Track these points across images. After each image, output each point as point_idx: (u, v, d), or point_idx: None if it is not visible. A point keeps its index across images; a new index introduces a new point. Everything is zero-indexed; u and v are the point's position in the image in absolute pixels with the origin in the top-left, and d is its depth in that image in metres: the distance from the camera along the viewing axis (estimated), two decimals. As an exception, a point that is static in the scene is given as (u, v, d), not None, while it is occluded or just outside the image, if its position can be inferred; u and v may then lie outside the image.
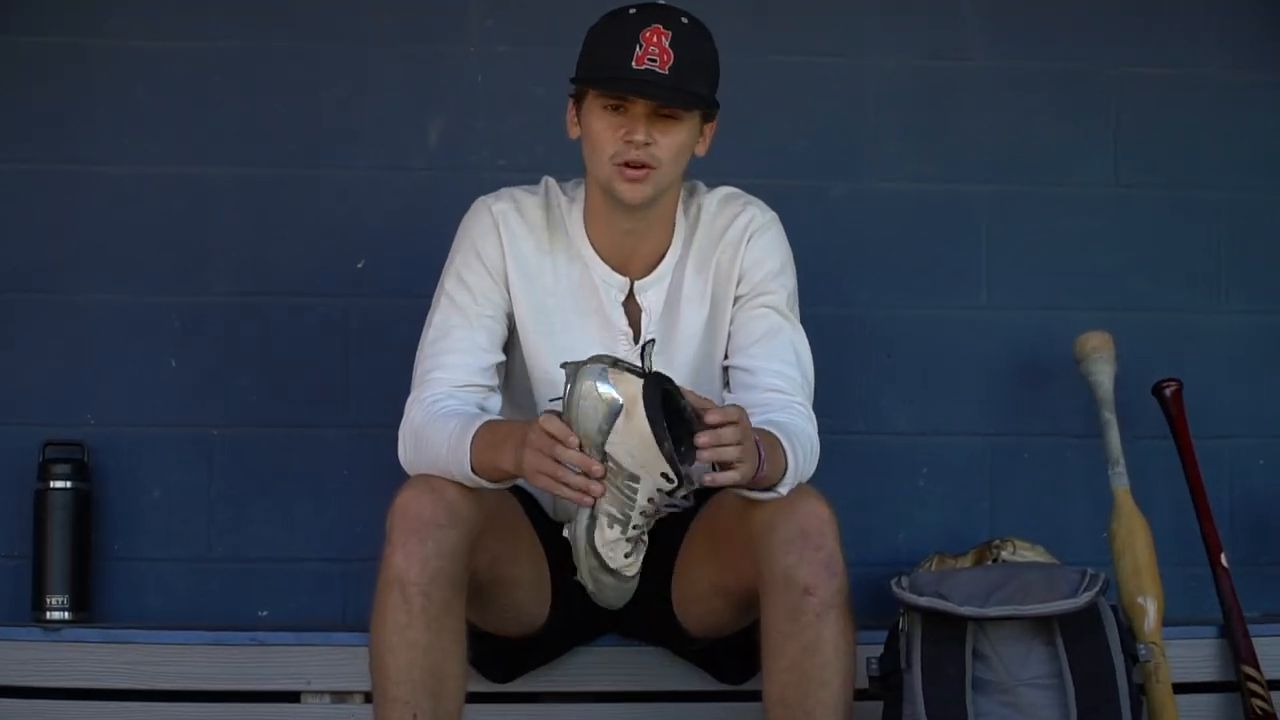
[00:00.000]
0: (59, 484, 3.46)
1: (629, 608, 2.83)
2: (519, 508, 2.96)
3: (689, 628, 3.03)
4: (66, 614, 3.42)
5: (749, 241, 2.96)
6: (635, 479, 2.59)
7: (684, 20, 2.81)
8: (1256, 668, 3.36)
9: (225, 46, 3.67)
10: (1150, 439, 3.63)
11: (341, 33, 3.70)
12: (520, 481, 2.78)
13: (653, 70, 2.76)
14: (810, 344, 2.97)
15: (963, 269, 3.77)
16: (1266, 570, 3.73)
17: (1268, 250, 3.83)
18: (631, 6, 2.82)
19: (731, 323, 2.96)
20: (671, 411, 2.58)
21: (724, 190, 3.02)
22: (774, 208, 3.01)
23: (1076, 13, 3.83)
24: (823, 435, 2.87)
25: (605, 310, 2.95)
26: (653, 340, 2.65)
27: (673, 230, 2.97)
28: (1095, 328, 3.59)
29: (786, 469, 2.72)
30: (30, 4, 3.62)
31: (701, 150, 2.90)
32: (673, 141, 2.81)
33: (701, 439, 2.56)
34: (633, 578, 2.69)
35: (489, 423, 2.76)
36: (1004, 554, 3.43)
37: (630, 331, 2.95)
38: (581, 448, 2.58)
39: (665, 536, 2.79)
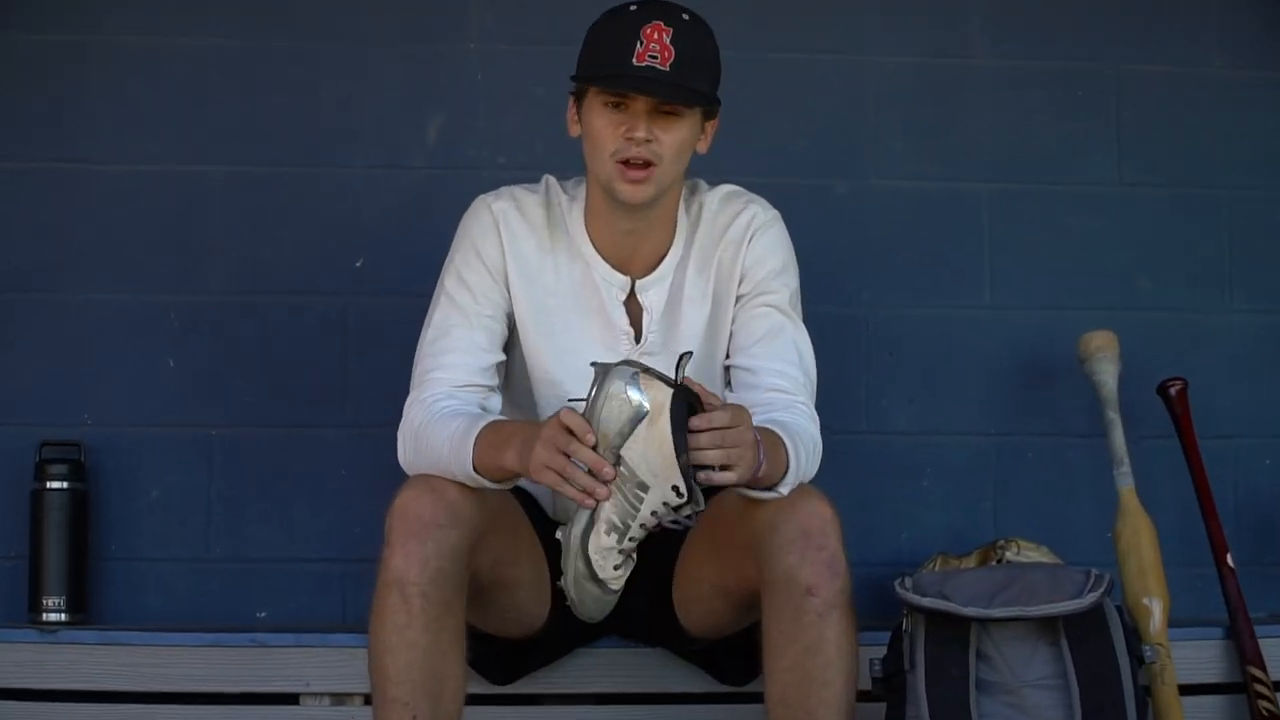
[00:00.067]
0: (56, 484, 3.45)
1: (629, 608, 2.83)
2: (519, 508, 2.96)
3: (690, 628, 3.02)
4: (63, 615, 3.41)
5: (751, 240, 2.95)
6: (645, 488, 2.58)
7: (685, 17, 2.80)
8: (1262, 668, 3.35)
9: (224, 45, 3.67)
10: (1155, 438, 3.63)
11: (341, 31, 3.69)
12: (521, 481, 2.78)
13: (653, 67, 2.75)
14: (812, 343, 2.96)
15: (966, 268, 3.76)
16: (1272, 570, 3.73)
17: (1272, 248, 3.83)
18: (632, 3, 2.81)
19: (733, 322, 2.96)
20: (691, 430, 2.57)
21: (725, 188, 3.01)
22: (776, 206, 3.01)
23: (1078, 11, 3.83)
24: (825, 435, 2.87)
25: (606, 310, 2.94)
26: (690, 352, 2.65)
27: (674, 229, 2.97)
28: (1099, 327, 3.59)
29: (788, 468, 2.71)
30: (29, 3, 3.62)
31: (703, 148, 2.89)
32: (674, 139, 2.81)
33: (703, 439, 2.56)
34: (615, 592, 2.69)
35: (494, 422, 2.76)
36: (1008, 554, 3.43)
37: (631, 331, 2.95)
38: (596, 448, 2.57)
39: (666, 537, 2.78)
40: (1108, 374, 3.53)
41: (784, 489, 2.71)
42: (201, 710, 3.25)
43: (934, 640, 2.94)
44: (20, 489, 3.48)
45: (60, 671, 3.26)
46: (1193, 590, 3.59)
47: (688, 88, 2.77)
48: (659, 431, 2.55)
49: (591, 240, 2.95)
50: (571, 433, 2.58)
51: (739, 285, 2.95)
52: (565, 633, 3.04)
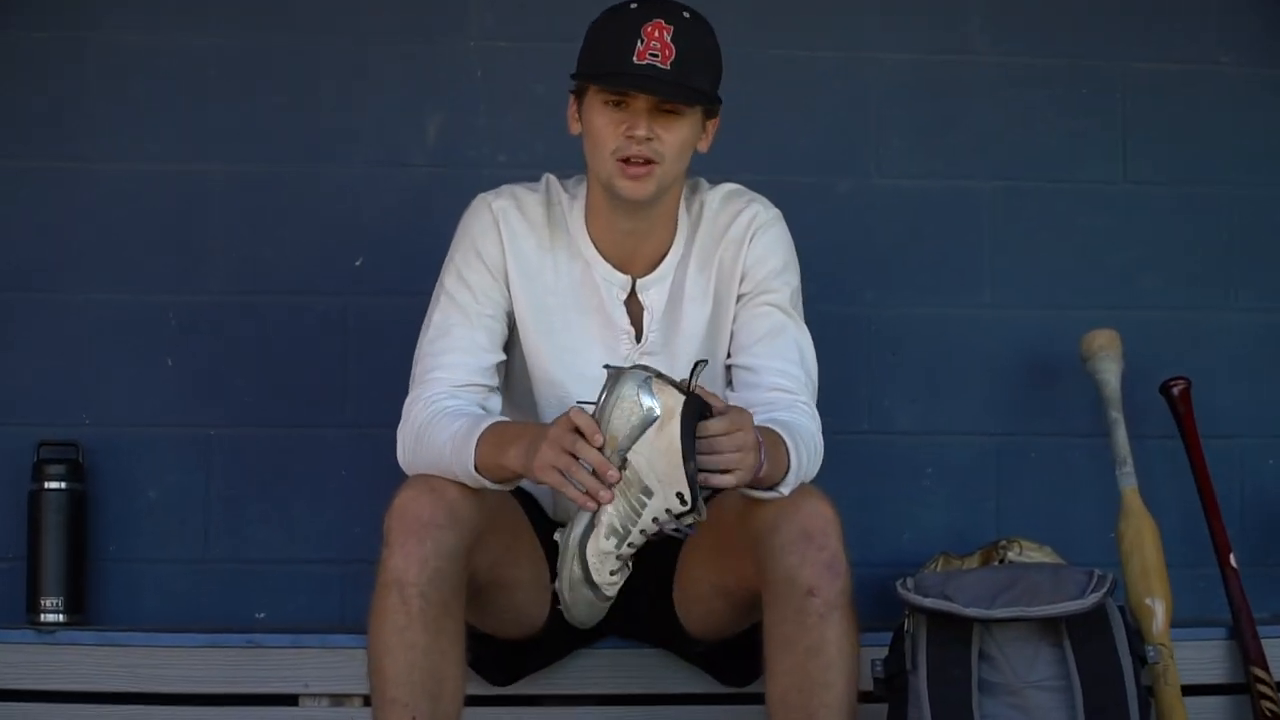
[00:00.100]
0: (54, 485, 3.45)
1: (630, 609, 2.83)
2: (519, 509, 2.95)
3: (691, 629, 3.02)
4: (61, 616, 3.41)
5: (752, 239, 2.95)
6: (649, 493, 2.58)
7: (686, 15, 2.80)
8: (1266, 669, 3.34)
9: (224, 44, 3.66)
10: (1158, 438, 3.63)
11: (340, 29, 3.69)
12: (523, 481, 2.77)
13: (654, 65, 2.75)
14: (814, 342, 2.96)
15: (968, 266, 3.76)
16: (1276, 571, 3.72)
17: (1277, 247, 3.82)
18: (633, 1, 2.80)
19: (734, 321, 2.95)
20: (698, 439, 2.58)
21: (727, 187, 3.00)
22: (777, 205, 3.00)
23: (1081, 8, 3.82)
24: (826, 435, 2.86)
25: (606, 309, 2.94)
26: (705, 361, 2.64)
27: (675, 228, 2.96)
28: (1102, 326, 3.58)
29: (789, 468, 2.71)
30: (29, 2, 3.62)
31: (704, 147, 2.89)
32: (675, 137, 2.80)
33: (712, 445, 2.56)
34: (608, 600, 2.69)
35: (498, 423, 2.76)
36: (1010, 555, 3.42)
37: (632, 330, 2.94)
38: (603, 450, 2.56)
39: (667, 537, 2.76)
40: (1110, 373, 3.52)
41: (785, 489, 2.71)
42: (200, 712, 3.24)
43: (936, 641, 2.94)
44: (18, 489, 3.48)
45: (58, 672, 3.25)
46: (1196, 591, 3.58)
47: (688, 86, 2.77)
48: (668, 437, 2.55)
49: (592, 239, 2.94)
50: (579, 433, 2.57)
51: (740, 284, 2.94)
52: (565, 634, 3.02)
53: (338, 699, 3.22)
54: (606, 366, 2.62)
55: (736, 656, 3.07)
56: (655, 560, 2.76)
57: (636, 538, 2.62)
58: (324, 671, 3.23)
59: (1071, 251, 3.77)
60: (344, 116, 3.67)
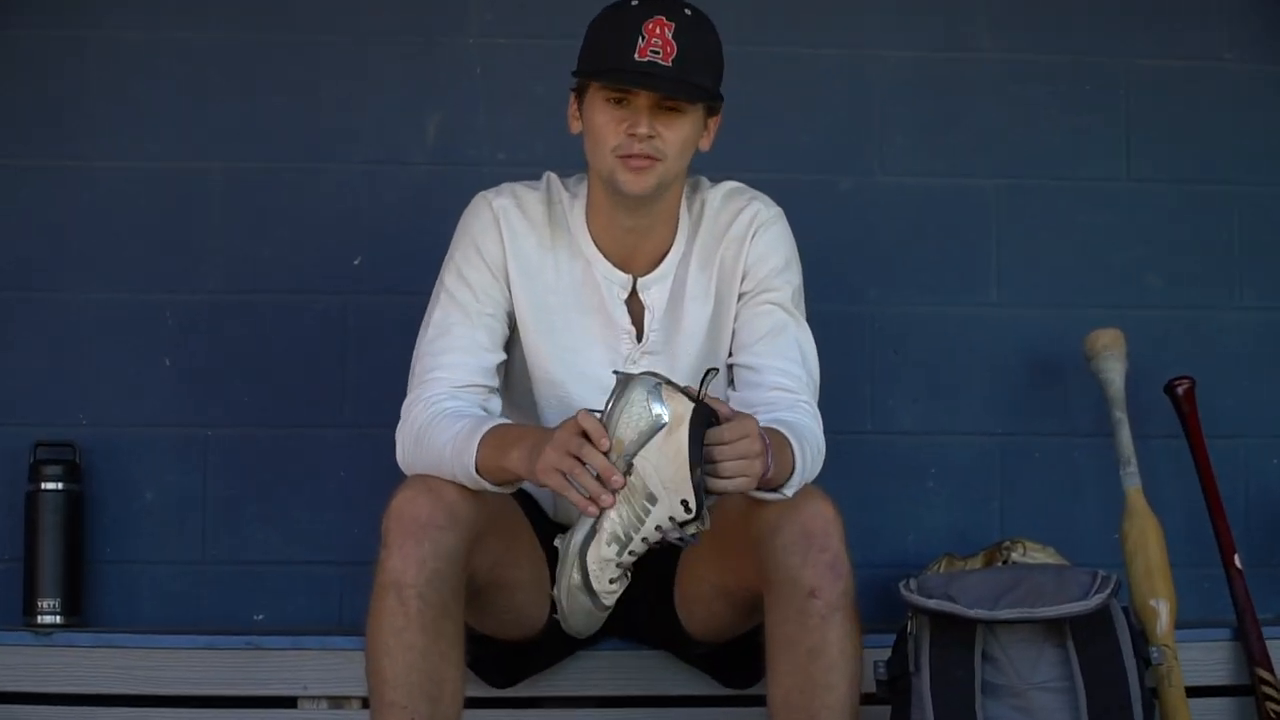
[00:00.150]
0: (50, 485, 3.45)
1: (631, 611, 2.82)
2: (519, 509, 2.94)
3: (692, 631, 3.01)
4: (58, 618, 3.40)
5: (754, 237, 2.94)
6: (653, 500, 2.58)
7: (687, 11, 2.79)
8: (1270, 670, 3.34)
9: (223, 43, 3.67)
10: (1162, 438, 3.62)
11: (340, 28, 3.69)
12: (523, 483, 2.76)
13: (655, 62, 2.74)
14: (816, 341, 2.95)
15: (971, 265, 3.76)
16: (1280, 571, 3.71)
17: (1282, 246, 3.83)
18: (633, -2, 2.80)
19: (736, 320, 2.95)
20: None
21: (728, 185, 3.00)
22: (779, 203, 3.00)
23: (1085, 5, 3.82)
24: (828, 435, 2.86)
25: (607, 308, 2.93)
26: (716, 370, 2.64)
27: (676, 227, 2.96)
28: (1106, 324, 3.57)
29: (794, 470, 2.70)
30: (28, 1, 3.61)
31: (706, 145, 2.88)
32: (676, 135, 2.80)
33: (719, 452, 2.56)
34: (606, 609, 2.68)
35: (499, 425, 2.75)
36: (1014, 555, 3.42)
37: (633, 330, 2.94)
38: (609, 455, 2.56)
39: (667, 547, 2.75)
40: (1115, 372, 3.51)
41: (789, 490, 2.70)
42: (197, 714, 3.23)
43: (939, 643, 2.94)
44: (15, 490, 3.48)
45: (55, 674, 3.24)
46: (1200, 591, 3.58)
47: (690, 83, 2.76)
48: (675, 444, 2.55)
49: (593, 238, 2.93)
50: (586, 437, 2.57)
51: (741, 283, 2.94)
52: (566, 635, 3.00)
53: (337, 701, 3.21)
54: (616, 372, 2.63)
55: (738, 658, 3.07)
56: (657, 562, 2.75)
57: (638, 545, 2.62)
58: (323, 673, 3.22)
59: (1075, 250, 3.77)
60: (344, 115, 3.67)
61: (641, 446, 2.56)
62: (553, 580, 2.69)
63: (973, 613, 2.90)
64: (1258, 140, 3.82)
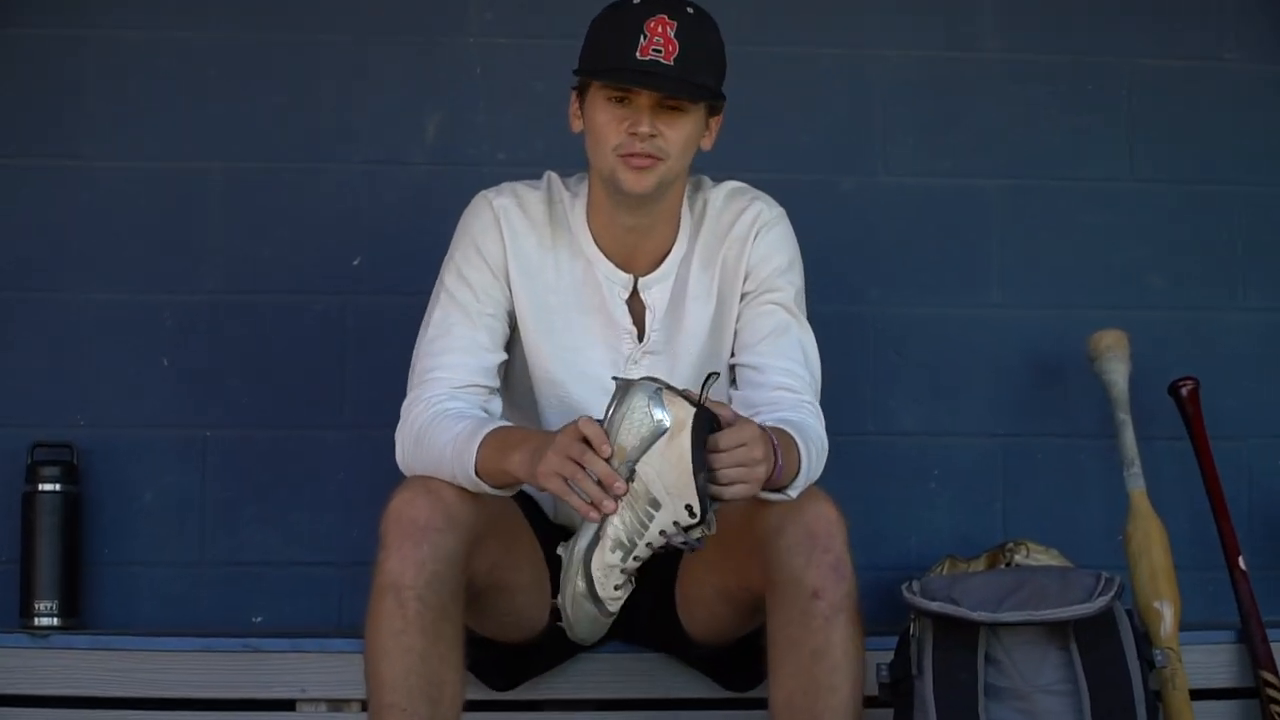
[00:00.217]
0: (48, 487, 3.44)
1: (632, 613, 2.81)
2: (518, 511, 2.94)
3: (693, 633, 3.00)
4: (55, 620, 3.40)
5: (756, 237, 2.94)
6: (657, 505, 2.57)
7: (689, 10, 2.78)
8: (1275, 673, 3.33)
9: (222, 42, 3.66)
10: (1166, 439, 3.61)
11: (339, 26, 3.68)
12: (523, 486, 2.76)
13: (657, 61, 2.74)
14: (817, 342, 2.95)
15: (974, 265, 3.75)
16: (1285, 573, 3.71)
17: (1286, 246, 3.82)
18: (635, -4, 2.79)
19: (738, 320, 2.94)
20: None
21: (730, 185, 2.99)
22: (781, 203, 3.00)
23: (1088, 5, 3.81)
24: (831, 436, 2.86)
25: (608, 308, 2.92)
26: (717, 374, 2.63)
27: (678, 226, 2.95)
28: (1110, 325, 3.56)
29: (799, 471, 2.70)
30: (26, 0, 3.61)
31: (707, 144, 2.88)
32: (678, 134, 2.79)
33: (723, 459, 2.56)
34: (611, 615, 2.68)
35: (500, 427, 2.74)
36: (1017, 557, 3.41)
37: (634, 330, 2.93)
38: (610, 461, 2.55)
39: (671, 552, 2.74)
40: (1118, 374, 3.51)
41: (793, 492, 2.70)
42: (196, 717, 3.22)
43: (942, 645, 2.94)
44: (12, 491, 3.46)
45: (52, 677, 3.23)
46: (1204, 593, 3.57)
47: (692, 82, 2.76)
48: (678, 449, 2.54)
49: (594, 237, 2.93)
50: (587, 443, 2.56)
51: (744, 283, 2.93)
52: (566, 638, 2.99)
53: (336, 704, 3.20)
54: (615, 378, 2.62)
55: (739, 661, 3.06)
56: (657, 565, 2.73)
57: (642, 551, 2.61)
58: (322, 676, 3.21)
59: (1079, 250, 3.76)
60: (343, 115, 3.66)
61: (644, 452, 2.55)
62: (555, 588, 2.68)
63: (976, 615, 2.90)
64: (1261, 140, 3.81)
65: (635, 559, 2.62)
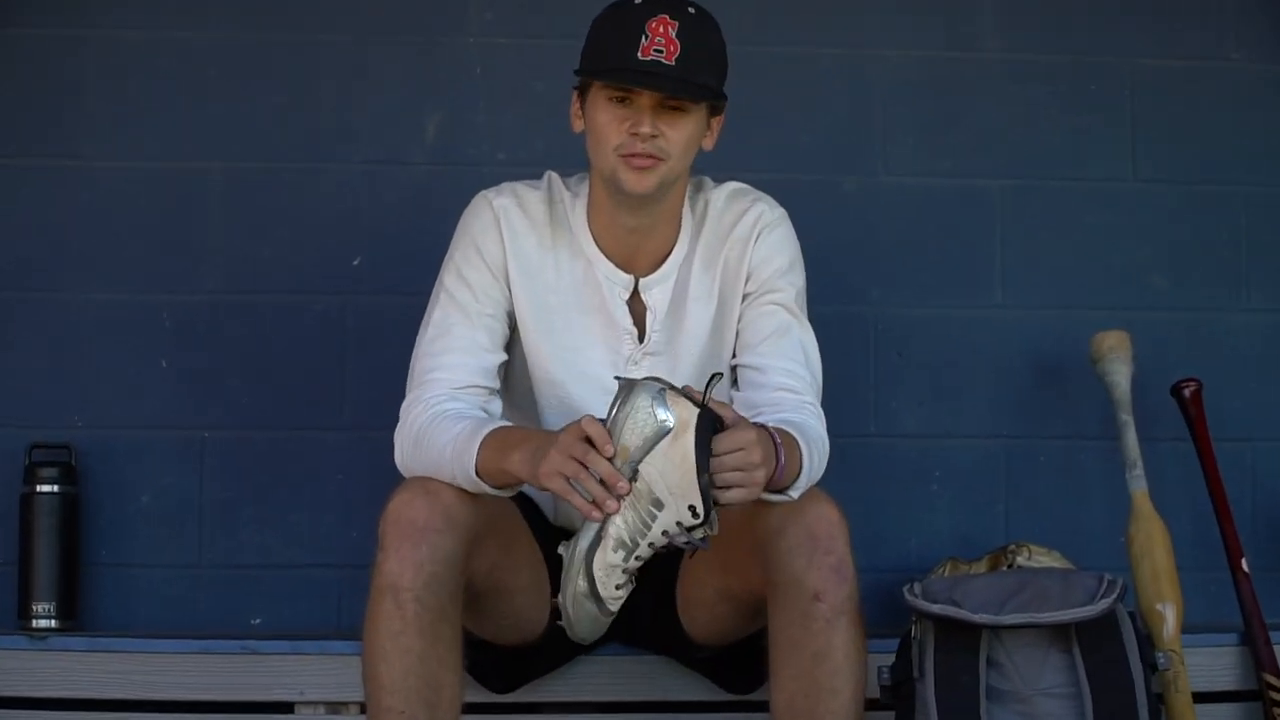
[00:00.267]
0: (46, 488, 3.43)
1: (632, 615, 2.80)
2: (518, 512, 2.93)
3: (694, 635, 3.00)
4: (53, 622, 3.39)
5: (758, 238, 2.93)
6: (660, 505, 2.56)
7: (691, 10, 2.78)
8: (1278, 676, 3.32)
9: (222, 42, 3.65)
10: (1169, 441, 3.60)
11: (338, 25, 3.68)
12: (524, 486, 2.75)
13: (659, 61, 2.73)
14: (819, 343, 2.94)
15: (976, 266, 3.75)
16: (1289, 576, 3.71)
17: (1289, 247, 3.82)
18: (637, -4, 2.79)
19: (739, 320, 2.94)
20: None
21: (731, 185, 2.99)
22: (782, 203, 2.99)
23: (1090, 4, 3.80)
24: (832, 437, 2.85)
25: (609, 308, 2.92)
26: (720, 375, 2.63)
27: (679, 226, 2.94)
28: (1112, 326, 3.56)
29: (801, 471, 2.69)
30: (26, 0, 3.61)
31: (709, 145, 2.87)
32: (680, 134, 2.78)
33: (726, 461, 2.55)
34: (611, 614, 2.67)
35: (501, 427, 2.74)
36: (1019, 559, 3.41)
37: (635, 330, 2.92)
38: (613, 461, 2.55)
39: (672, 551, 2.73)
40: (1121, 375, 3.50)
41: (795, 493, 2.69)
42: (194, 719, 3.21)
43: (944, 648, 2.94)
44: (9, 492, 3.46)
45: (50, 679, 3.22)
46: (1207, 596, 3.56)
47: (693, 83, 2.75)
48: (681, 449, 2.54)
49: (594, 238, 2.92)
50: (590, 443, 2.55)
51: (745, 284, 2.93)
52: (566, 640, 2.97)
53: (334, 707, 3.20)
54: (618, 378, 2.62)
55: (740, 663, 3.05)
56: (658, 566, 2.73)
57: (644, 551, 2.60)
58: (321, 678, 3.20)
59: (1081, 251, 3.76)
60: (343, 115, 3.66)
61: (647, 452, 2.55)
62: (554, 587, 2.67)
63: (978, 618, 2.90)
64: (1264, 140, 3.81)
65: (637, 559, 2.61)
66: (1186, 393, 3.53)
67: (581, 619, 2.66)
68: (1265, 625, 3.36)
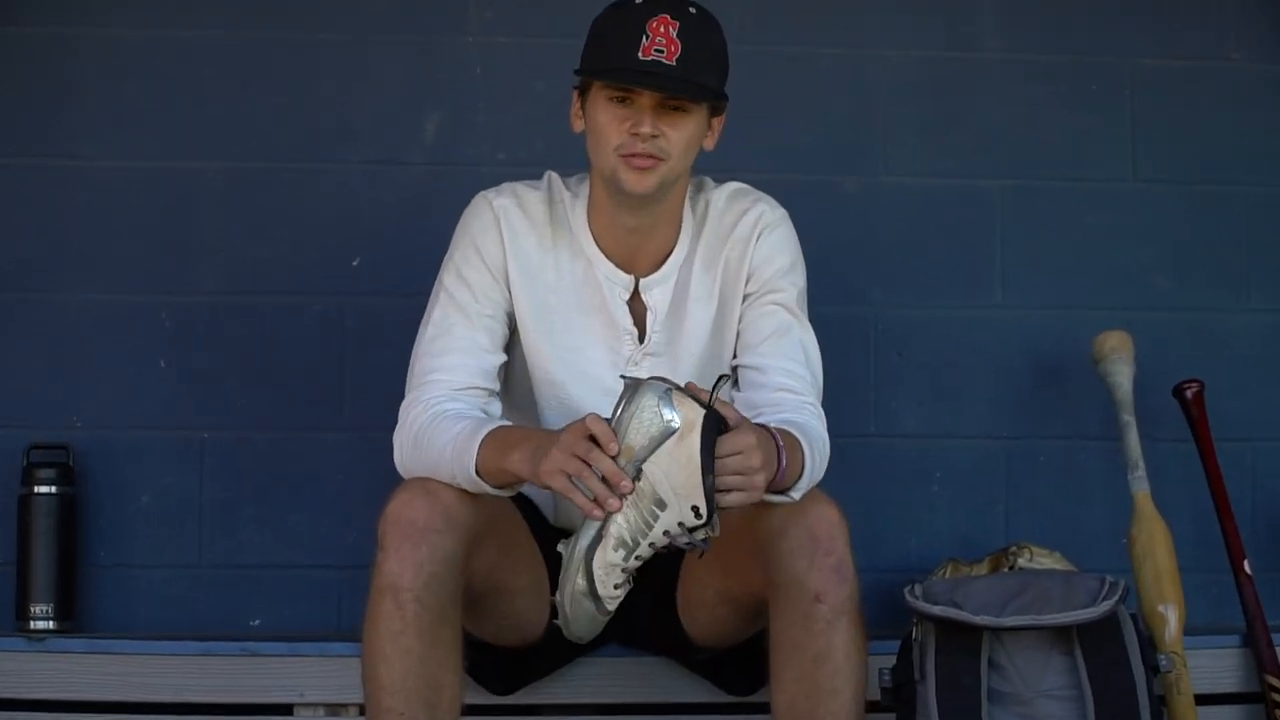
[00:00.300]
0: (44, 489, 3.43)
1: (632, 616, 2.80)
2: (517, 513, 2.92)
3: (694, 636, 2.99)
4: (51, 623, 3.39)
5: (759, 238, 2.93)
6: (662, 506, 2.56)
7: (692, 10, 2.77)
8: (1280, 677, 3.33)
9: (221, 41, 3.65)
10: (1171, 441, 3.60)
11: (337, 24, 3.68)
12: (524, 486, 2.74)
13: (659, 61, 2.72)
14: (819, 343, 2.94)
15: (977, 266, 3.74)
16: (1291, 577, 3.70)
17: (1291, 247, 3.82)
18: (638, -4, 2.78)
19: (740, 320, 2.93)
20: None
21: (732, 186, 2.98)
22: (783, 204, 2.98)
23: (1091, 4, 3.80)
24: (832, 438, 2.84)
25: (609, 309, 2.91)
26: (728, 376, 2.64)
27: (679, 227, 2.94)
28: (1114, 327, 3.56)
29: (803, 473, 2.69)
30: (25, -1, 3.63)
31: (710, 145, 2.87)
32: (681, 134, 2.78)
33: (730, 464, 2.55)
34: (608, 614, 2.67)
35: (501, 426, 2.73)
36: (1020, 561, 3.41)
37: (635, 331, 2.92)
38: (617, 459, 2.55)
39: (673, 552, 2.73)
40: (1122, 375, 3.49)
41: (796, 494, 2.69)
42: (193, 721, 3.22)
43: (945, 650, 2.93)
44: (8, 493, 3.46)
45: (48, 681, 3.22)
46: (1209, 597, 3.56)
47: (694, 83, 2.74)
48: (687, 450, 2.53)
49: (595, 238, 2.91)
50: (594, 441, 2.55)
51: (746, 284, 2.92)
52: (566, 642, 2.97)
53: (334, 708, 3.19)
54: (623, 377, 2.61)
55: (740, 665, 3.04)
56: (657, 568, 2.73)
57: (645, 550, 2.60)
58: (320, 680, 3.20)
59: (1083, 251, 3.75)
60: (342, 114, 3.66)
61: (651, 452, 2.54)
62: (553, 586, 2.67)
63: (979, 620, 2.89)
64: (1265, 140, 3.81)
65: (637, 558, 2.60)
66: (1188, 393, 3.52)
67: (579, 617, 2.65)
68: (1267, 627, 3.35)
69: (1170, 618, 3.29)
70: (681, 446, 2.53)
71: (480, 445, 2.67)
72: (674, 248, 2.92)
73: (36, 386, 3.55)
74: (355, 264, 3.62)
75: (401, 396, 2.84)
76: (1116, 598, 2.92)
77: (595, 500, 2.55)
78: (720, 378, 2.59)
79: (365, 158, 3.64)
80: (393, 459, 2.80)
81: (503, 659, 3.02)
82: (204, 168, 3.61)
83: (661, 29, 2.72)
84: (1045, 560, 3.40)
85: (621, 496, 2.55)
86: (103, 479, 3.52)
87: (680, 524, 2.56)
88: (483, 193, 2.93)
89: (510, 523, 2.88)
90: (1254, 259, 3.77)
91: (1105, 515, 3.63)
